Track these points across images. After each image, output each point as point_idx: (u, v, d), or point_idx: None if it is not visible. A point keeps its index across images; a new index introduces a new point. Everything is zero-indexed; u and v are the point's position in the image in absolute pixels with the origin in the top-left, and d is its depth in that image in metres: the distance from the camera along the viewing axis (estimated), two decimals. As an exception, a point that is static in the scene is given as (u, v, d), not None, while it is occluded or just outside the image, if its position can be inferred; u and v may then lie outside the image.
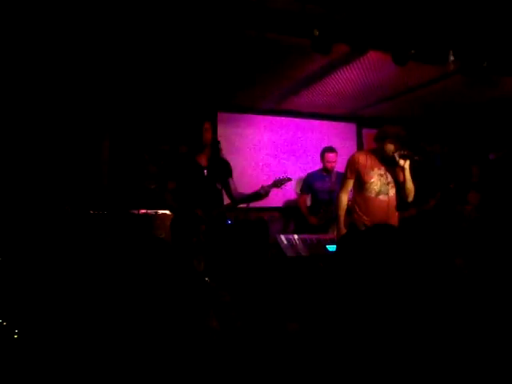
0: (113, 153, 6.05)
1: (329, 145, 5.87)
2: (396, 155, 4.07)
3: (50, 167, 5.17)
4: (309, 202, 5.89)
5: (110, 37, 4.02)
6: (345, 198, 4.31)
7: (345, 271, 2.46)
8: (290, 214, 6.53)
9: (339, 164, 6.38)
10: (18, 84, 4.93)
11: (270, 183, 4.41)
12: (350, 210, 4.32)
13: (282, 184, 4.55)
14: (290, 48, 4.29)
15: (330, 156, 5.62)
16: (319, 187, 5.64)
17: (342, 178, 4.45)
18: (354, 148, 7.33)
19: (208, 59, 4.65)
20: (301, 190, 5.92)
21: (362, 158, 4.25)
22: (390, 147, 4.11)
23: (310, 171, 5.99)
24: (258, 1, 3.51)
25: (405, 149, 4.09)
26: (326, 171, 5.68)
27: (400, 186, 4.19)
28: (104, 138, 5.97)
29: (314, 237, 4.59)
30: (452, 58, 4.13)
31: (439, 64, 4.31)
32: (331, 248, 4.39)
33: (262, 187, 4.29)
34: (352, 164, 4.27)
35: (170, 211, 4.54)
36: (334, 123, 7.20)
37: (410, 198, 4.22)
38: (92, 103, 5.70)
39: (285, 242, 4.38)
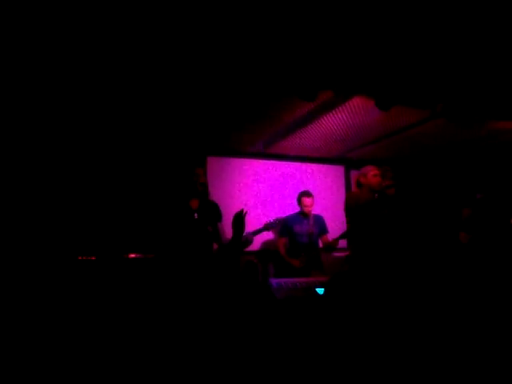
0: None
1: (311, 188, 5.92)
2: (382, 187, 4.31)
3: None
4: (288, 245, 5.84)
5: (101, 86, 4.10)
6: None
7: (334, 312, 2.47)
8: (267, 257, 6.47)
9: (326, 207, 6.41)
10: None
11: (260, 227, 4.43)
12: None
13: (273, 227, 4.59)
14: (276, 94, 4.37)
15: (307, 200, 5.64)
16: (298, 230, 5.62)
17: (347, 219, 4.49)
18: (343, 190, 7.40)
19: (197, 107, 4.73)
20: (280, 233, 5.85)
21: (359, 194, 4.46)
22: (374, 181, 4.32)
23: (287, 214, 6.00)
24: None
25: (387, 180, 4.36)
26: (303, 214, 5.68)
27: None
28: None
29: (303, 280, 4.57)
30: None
31: (423, 108, 4.41)
32: (321, 291, 4.37)
33: (246, 235, 4.31)
34: (350, 203, 4.43)
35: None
36: (322, 166, 7.29)
37: None
38: (83, 150, 5.73)
39: (275, 285, 4.36)
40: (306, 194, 5.68)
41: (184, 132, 5.68)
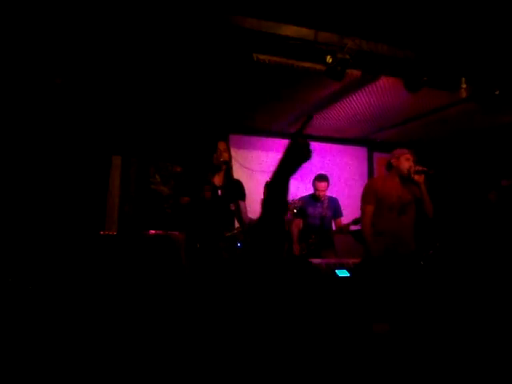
0: (124, 174, 6.09)
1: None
2: (411, 173, 4.19)
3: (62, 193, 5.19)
4: (301, 226, 5.79)
5: (128, 56, 4.09)
6: (369, 225, 4.34)
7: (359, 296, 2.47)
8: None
9: (347, 188, 6.35)
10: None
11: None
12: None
13: (295, 207, 4.57)
14: (303, 73, 4.32)
15: (321, 185, 5.55)
16: (311, 213, 5.56)
17: (361, 206, 4.45)
18: (365, 172, 7.34)
19: (222, 84, 4.71)
20: (294, 214, 5.79)
21: (380, 182, 4.41)
22: (405, 164, 4.23)
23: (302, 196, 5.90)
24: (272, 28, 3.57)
25: (418, 165, 4.21)
26: (316, 198, 5.63)
27: (420, 203, 4.28)
28: (114, 160, 6.02)
29: (322, 261, 4.56)
30: (464, 85, 4.15)
31: (451, 91, 4.32)
32: (341, 273, 4.36)
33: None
34: (371, 189, 4.38)
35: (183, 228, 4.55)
36: (345, 147, 7.22)
37: (431, 213, 4.30)
38: (104, 125, 5.75)
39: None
40: (320, 177, 5.60)
41: (208, 109, 5.67)
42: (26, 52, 3.91)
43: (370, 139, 7.19)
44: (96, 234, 4.94)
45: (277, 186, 1.48)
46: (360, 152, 7.39)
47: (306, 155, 1.55)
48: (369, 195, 4.37)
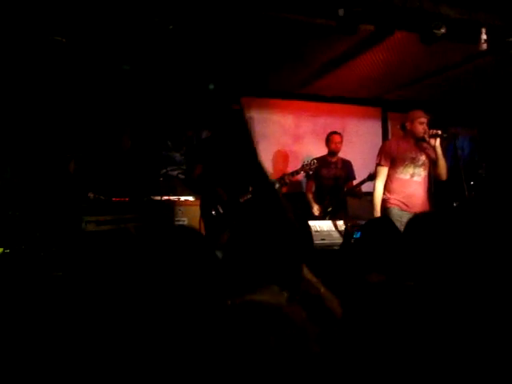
0: (135, 140, 6.04)
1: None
2: (426, 136, 4.20)
3: (71, 158, 5.16)
4: (314, 189, 5.74)
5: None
6: (381, 187, 4.40)
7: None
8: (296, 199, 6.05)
9: (362, 150, 6.25)
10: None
11: (296, 169, 4.38)
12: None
13: (311, 168, 4.52)
14: (314, 30, 4.19)
15: (335, 137, 5.48)
16: (325, 174, 5.49)
17: (376, 167, 4.48)
18: (379, 132, 7.23)
19: (231, 43, 4.60)
20: (307, 176, 5.73)
21: (394, 144, 4.46)
22: (419, 128, 4.24)
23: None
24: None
25: (433, 128, 4.21)
26: (331, 155, 5.54)
27: (433, 166, 4.32)
28: (125, 125, 5.96)
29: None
30: (484, 36, 3.99)
31: (470, 43, 4.17)
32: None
33: (284, 176, 4.23)
34: (385, 151, 4.43)
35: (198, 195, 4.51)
36: (359, 107, 7.08)
37: (444, 176, 4.36)
38: (112, 91, 5.68)
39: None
40: (334, 132, 5.56)
41: (219, 72, 5.56)
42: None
43: (383, 99, 7.02)
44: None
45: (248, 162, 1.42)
46: (374, 112, 7.25)
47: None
48: (383, 156, 4.39)
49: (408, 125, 4.32)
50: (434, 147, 4.21)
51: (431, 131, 4.17)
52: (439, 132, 4.14)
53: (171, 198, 5.59)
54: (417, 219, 1.80)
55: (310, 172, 4.74)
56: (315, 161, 4.62)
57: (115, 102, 5.76)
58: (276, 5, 3.73)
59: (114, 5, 3.66)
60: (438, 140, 4.17)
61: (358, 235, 4.29)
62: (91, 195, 4.89)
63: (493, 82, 5.99)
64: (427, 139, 4.20)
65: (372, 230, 2.64)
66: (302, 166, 4.50)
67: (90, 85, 5.38)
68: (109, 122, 5.81)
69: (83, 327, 1.34)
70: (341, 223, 4.38)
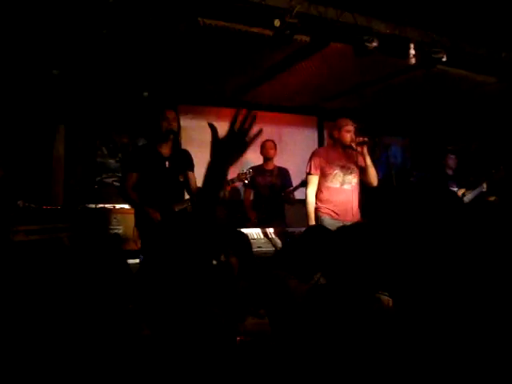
0: (68, 146, 5.84)
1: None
2: (353, 143, 4.24)
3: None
4: (252, 197, 5.73)
5: (74, 22, 3.85)
6: (313, 195, 4.38)
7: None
8: (234, 208, 6.12)
9: (298, 158, 6.33)
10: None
11: (233, 177, 4.37)
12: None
13: (246, 177, 4.51)
14: (250, 39, 4.21)
15: (268, 143, 5.51)
16: (261, 182, 5.50)
17: (307, 176, 4.48)
18: (315, 140, 7.34)
19: (167, 50, 4.54)
20: (244, 185, 5.70)
21: (323, 153, 4.47)
22: (347, 136, 4.26)
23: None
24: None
25: (360, 135, 4.24)
26: (267, 163, 5.55)
27: (363, 173, 4.36)
28: (58, 131, 5.75)
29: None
30: (413, 51, 4.15)
31: (400, 57, 4.32)
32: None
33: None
34: (314, 159, 4.40)
35: (131, 206, 4.40)
36: (295, 116, 7.18)
37: (374, 183, 4.39)
38: (45, 95, 5.47)
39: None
40: (268, 139, 5.55)
41: (155, 79, 5.48)
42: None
43: (320, 108, 7.16)
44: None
45: (212, 178, 1.40)
46: (310, 121, 7.37)
47: (242, 148, 1.46)
48: (313, 165, 4.39)
49: (336, 133, 4.32)
50: (362, 154, 4.24)
51: (358, 139, 4.20)
52: (366, 139, 4.18)
53: (106, 205, 5.44)
54: (343, 229, 1.84)
55: (246, 181, 4.72)
56: (250, 170, 4.61)
57: (47, 105, 5.55)
58: (212, 13, 3.71)
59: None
60: (366, 147, 4.21)
61: (291, 243, 4.36)
62: (20, 203, 4.66)
63: (424, 94, 6.23)
64: (355, 147, 4.23)
65: (308, 239, 2.69)
66: (238, 175, 4.48)
67: (19, 88, 5.16)
68: (40, 125, 5.60)
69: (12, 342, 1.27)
70: (276, 231, 4.41)
